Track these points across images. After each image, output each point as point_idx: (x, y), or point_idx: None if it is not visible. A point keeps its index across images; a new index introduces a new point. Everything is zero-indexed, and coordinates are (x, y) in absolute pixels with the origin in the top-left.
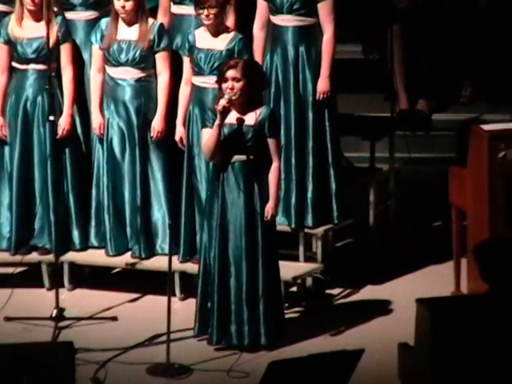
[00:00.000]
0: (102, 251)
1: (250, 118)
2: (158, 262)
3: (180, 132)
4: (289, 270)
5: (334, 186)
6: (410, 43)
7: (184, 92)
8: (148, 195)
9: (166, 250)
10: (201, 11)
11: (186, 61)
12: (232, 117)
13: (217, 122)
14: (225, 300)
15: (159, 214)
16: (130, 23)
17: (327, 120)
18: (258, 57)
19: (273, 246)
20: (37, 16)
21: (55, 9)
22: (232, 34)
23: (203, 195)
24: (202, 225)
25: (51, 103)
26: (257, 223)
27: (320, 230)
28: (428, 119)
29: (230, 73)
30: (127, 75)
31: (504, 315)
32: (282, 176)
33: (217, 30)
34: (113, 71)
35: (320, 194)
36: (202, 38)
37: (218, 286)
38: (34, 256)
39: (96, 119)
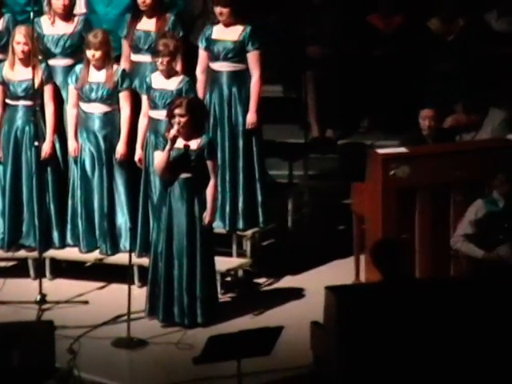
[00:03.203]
0: (77, 249)
1: (194, 144)
2: (121, 258)
3: (139, 154)
4: (224, 263)
5: (260, 198)
6: (321, 85)
7: (142, 123)
8: (113, 204)
9: (128, 248)
10: (156, 59)
11: (144, 98)
12: (179, 143)
13: (167, 148)
14: (169, 287)
15: (122, 219)
16: (98, 68)
17: (254, 145)
18: (200, 95)
19: (209, 246)
20: (25, 63)
21: (40, 57)
22: (181, 77)
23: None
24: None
25: (36, 132)
26: (196, 227)
27: (249, 232)
28: (335, 144)
29: (177, 111)
30: (96, 110)
31: (394, 298)
32: (219, 189)
33: (169, 73)
34: (85, 106)
35: (249, 204)
36: (157, 80)
37: (163, 276)
38: (22, 253)
39: (72, 145)
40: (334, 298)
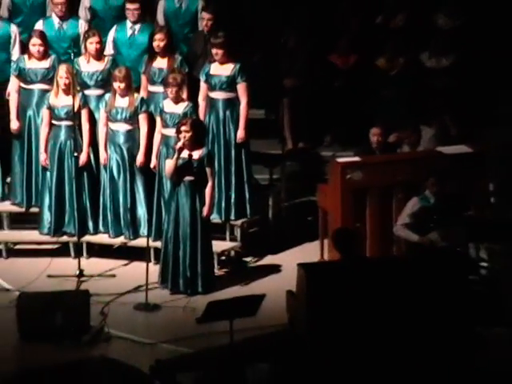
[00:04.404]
0: (106, 235)
1: (196, 155)
2: (140, 242)
3: (154, 162)
4: (220, 246)
5: (247, 195)
6: (294, 109)
7: (157, 138)
8: (134, 201)
9: (146, 234)
10: (168, 89)
11: (158, 119)
12: (185, 153)
13: (175, 156)
14: (176, 264)
15: (141, 212)
16: (123, 96)
17: (243, 155)
18: (201, 117)
19: (208, 232)
20: (67, 92)
21: (78, 88)
22: (186, 103)
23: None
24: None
25: (75, 145)
26: (197, 218)
27: (239, 222)
28: (305, 154)
29: (183, 128)
30: (121, 128)
31: (350, 272)
32: (216, 189)
33: (177, 100)
34: (112, 125)
35: (239, 200)
36: (168, 105)
37: (172, 255)
38: (64, 238)
39: (102, 155)
40: (304, 272)
